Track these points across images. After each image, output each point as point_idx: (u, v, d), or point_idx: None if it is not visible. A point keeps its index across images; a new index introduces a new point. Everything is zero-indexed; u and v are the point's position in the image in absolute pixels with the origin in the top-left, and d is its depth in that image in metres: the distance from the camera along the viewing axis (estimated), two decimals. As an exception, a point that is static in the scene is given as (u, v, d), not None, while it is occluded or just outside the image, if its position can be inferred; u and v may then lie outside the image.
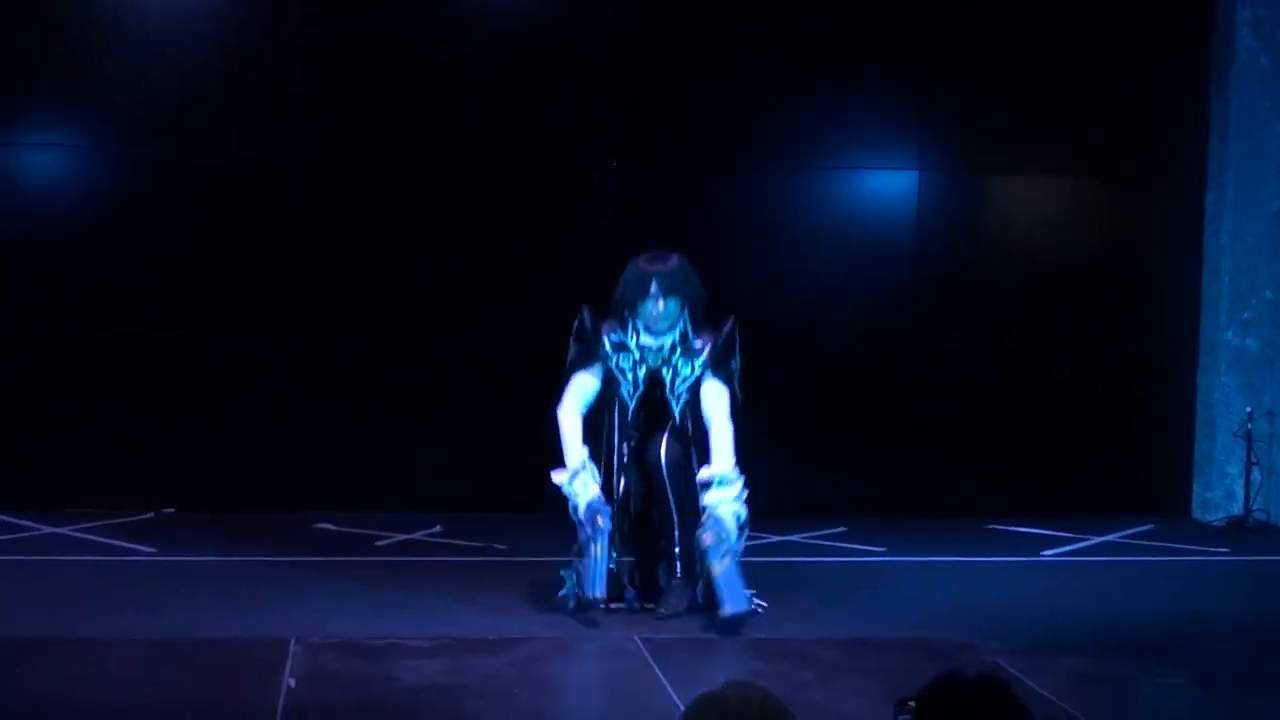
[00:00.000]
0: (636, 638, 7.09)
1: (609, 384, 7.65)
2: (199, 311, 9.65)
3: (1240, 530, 9.88)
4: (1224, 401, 10.15)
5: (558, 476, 7.49)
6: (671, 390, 7.65)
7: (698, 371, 7.64)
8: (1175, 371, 10.32)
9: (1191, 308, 10.30)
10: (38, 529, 9.04)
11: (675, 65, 9.93)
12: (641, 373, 7.65)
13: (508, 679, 6.59)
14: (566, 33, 9.92)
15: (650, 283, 7.53)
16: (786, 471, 9.83)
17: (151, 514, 9.45)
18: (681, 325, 7.64)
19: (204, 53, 9.63)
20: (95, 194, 9.70)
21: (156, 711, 6.17)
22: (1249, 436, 9.95)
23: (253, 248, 9.70)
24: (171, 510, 9.48)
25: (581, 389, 7.62)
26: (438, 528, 9.30)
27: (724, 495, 7.45)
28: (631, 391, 7.67)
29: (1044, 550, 9.28)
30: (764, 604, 7.58)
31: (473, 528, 9.21)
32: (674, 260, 7.60)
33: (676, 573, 7.60)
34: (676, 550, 7.60)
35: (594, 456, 7.56)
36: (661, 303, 7.54)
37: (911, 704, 3.26)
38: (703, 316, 7.70)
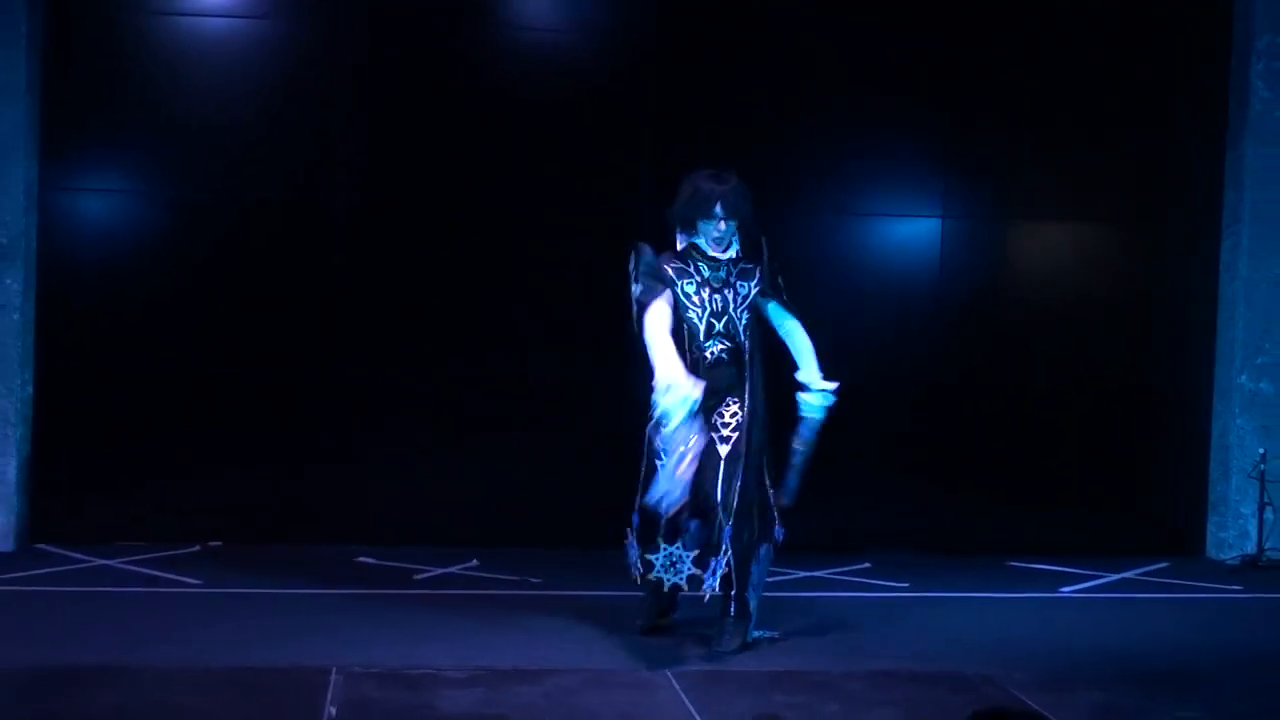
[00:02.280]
0: (668, 671, 7.06)
1: (676, 311, 7.52)
2: (242, 347, 9.68)
3: (1254, 569, 9.84)
4: (1238, 444, 10.11)
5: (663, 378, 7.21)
6: (735, 310, 7.57)
7: (753, 292, 7.60)
8: (1191, 414, 10.29)
9: (1207, 352, 10.28)
10: (88, 561, 9.07)
11: (713, 108, 9.96)
12: (706, 294, 7.56)
13: (542, 709, 6.57)
14: (609, 77, 9.97)
15: (715, 203, 7.48)
16: (813, 507, 9.80)
17: (198, 546, 9.47)
18: (736, 246, 7.61)
19: (252, 98, 9.70)
20: (146, 235, 9.75)
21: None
22: (1262, 478, 9.92)
23: (297, 285, 9.73)
24: (218, 544, 9.50)
25: (662, 315, 7.47)
26: (474, 562, 9.30)
27: (816, 400, 7.63)
28: (701, 314, 7.57)
29: (1062, 587, 9.23)
30: (777, 634, 7.65)
31: (508, 562, 9.21)
32: (734, 180, 7.53)
33: (731, 611, 7.48)
34: (725, 567, 7.42)
35: None
36: (724, 223, 7.50)
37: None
38: (746, 240, 7.64)
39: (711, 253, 7.56)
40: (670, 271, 7.54)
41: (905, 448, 10.09)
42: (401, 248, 9.80)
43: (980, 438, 10.17)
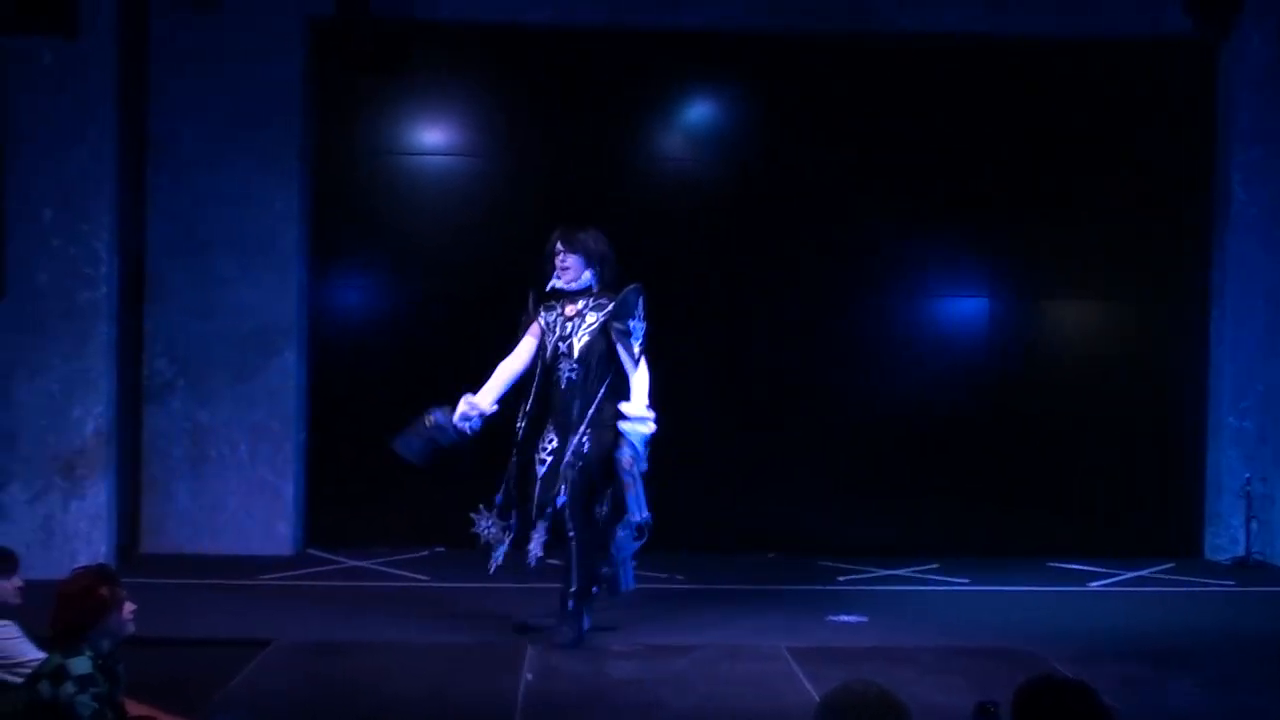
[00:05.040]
0: (782, 646, 7.05)
1: (541, 339, 7.09)
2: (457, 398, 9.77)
3: (1243, 568, 9.60)
4: (1229, 470, 9.89)
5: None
6: (576, 332, 7.01)
7: (601, 319, 7.00)
8: (1191, 447, 10.08)
9: (1201, 399, 10.07)
10: (348, 562, 9.21)
11: (801, 212, 9.95)
12: (559, 321, 7.05)
13: (688, 675, 6.59)
14: (717, 188, 9.99)
15: (555, 240, 7.05)
16: (894, 520, 9.82)
17: (426, 551, 9.56)
18: (589, 283, 7.07)
19: (465, 215, 9.85)
20: (387, 318, 9.93)
21: (428, 696, 6.25)
22: (1248, 496, 9.70)
23: (495, 353, 9.82)
24: (442, 548, 9.58)
25: (521, 348, 7.13)
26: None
27: (637, 426, 6.92)
28: (551, 336, 7.06)
29: (1090, 582, 9.09)
30: (866, 619, 7.59)
31: (657, 564, 9.19)
32: (585, 230, 7.08)
33: (569, 604, 7.00)
34: (576, 577, 6.97)
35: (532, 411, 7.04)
36: (562, 255, 7.00)
37: (990, 708, 3.21)
38: (611, 280, 7.08)
39: (558, 285, 7.05)
40: (537, 305, 7.14)
41: (966, 475, 9.97)
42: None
43: (1025, 467, 10.03)
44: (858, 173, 9.99)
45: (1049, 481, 10.05)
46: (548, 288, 7.15)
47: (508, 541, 7.13)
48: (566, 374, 7.05)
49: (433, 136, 9.98)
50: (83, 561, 7.35)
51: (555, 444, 7.08)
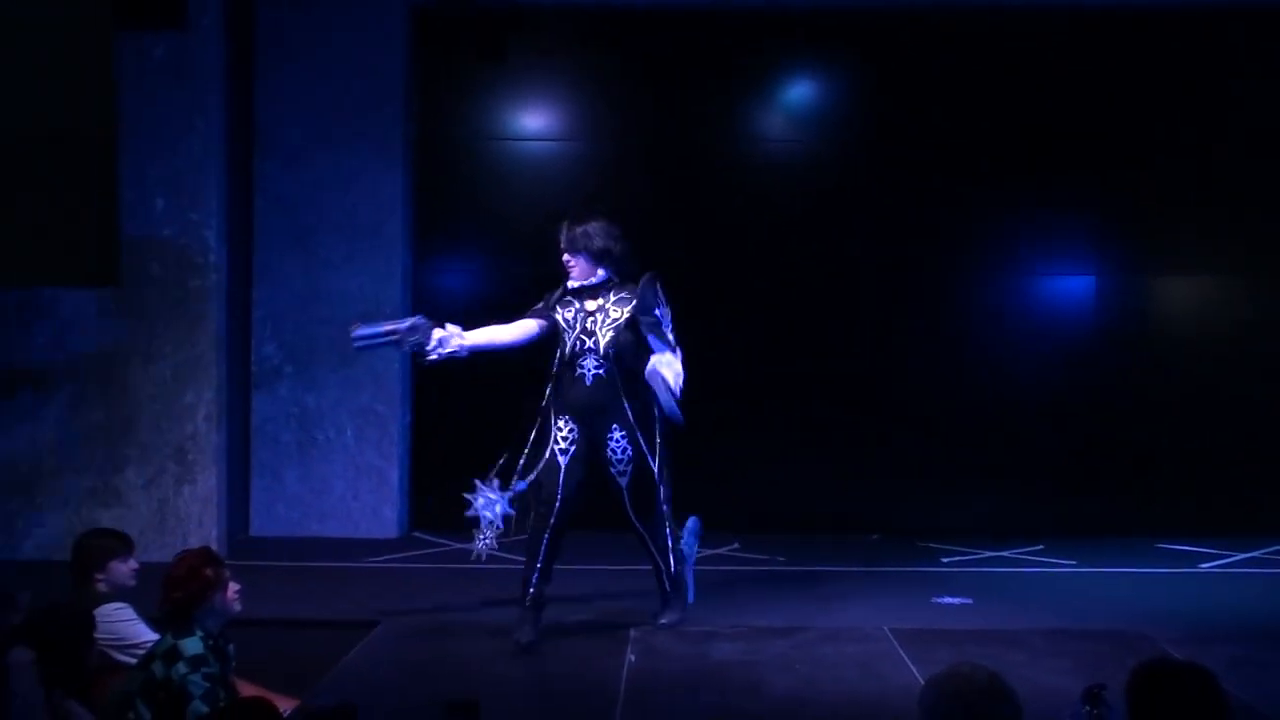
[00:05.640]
0: (885, 627, 6.98)
1: (555, 336, 6.77)
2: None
3: (1359, 548, 9.38)
4: (1343, 448, 9.66)
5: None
6: (601, 327, 6.72)
7: (628, 315, 6.71)
8: (1300, 425, 9.86)
9: (1316, 375, 9.84)
10: (449, 545, 9.23)
11: (901, 190, 9.84)
12: (579, 316, 6.75)
13: (790, 657, 6.55)
14: (819, 168, 9.91)
15: (559, 241, 6.81)
16: (997, 502, 9.70)
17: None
18: (606, 276, 6.78)
19: (563, 198, 9.76)
20: (488, 300, 9.78)
21: (533, 677, 6.29)
22: (1364, 476, 9.46)
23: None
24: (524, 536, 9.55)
25: (517, 324, 6.84)
26: (735, 545, 9.28)
27: (665, 367, 6.62)
28: (571, 332, 6.75)
29: (1201, 564, 8.90)
30: (971, 600, 7.51)
31: (761, 546, 9.17)
32: (589, 220, 6.75)
33: (666, 585, 6.92)
34: (664, 563, 6.84)
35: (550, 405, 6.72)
36: (566, 256, 6.76)
37: (1098, 691, 3.14)
38: (626, 267, 6.81)
39: (577, 290, 6.78)
40: (554, 301, 6.86)
41: (1072, 456, 9.83)
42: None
43: (1133, 447, 9.85)
44: (960, 149, 9.84)
45: (1159, 462, 9.86)
46: (566, 286, 6.86)
47: (499, 524, 6.85)
48: (593, 370, 6.72)
49: (534, 121, 10.01)
50: (194, 544, 7.48)
51: (575, 435, 6.76)
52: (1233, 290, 10.02)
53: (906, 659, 6.42)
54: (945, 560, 8.91)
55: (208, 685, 4.68)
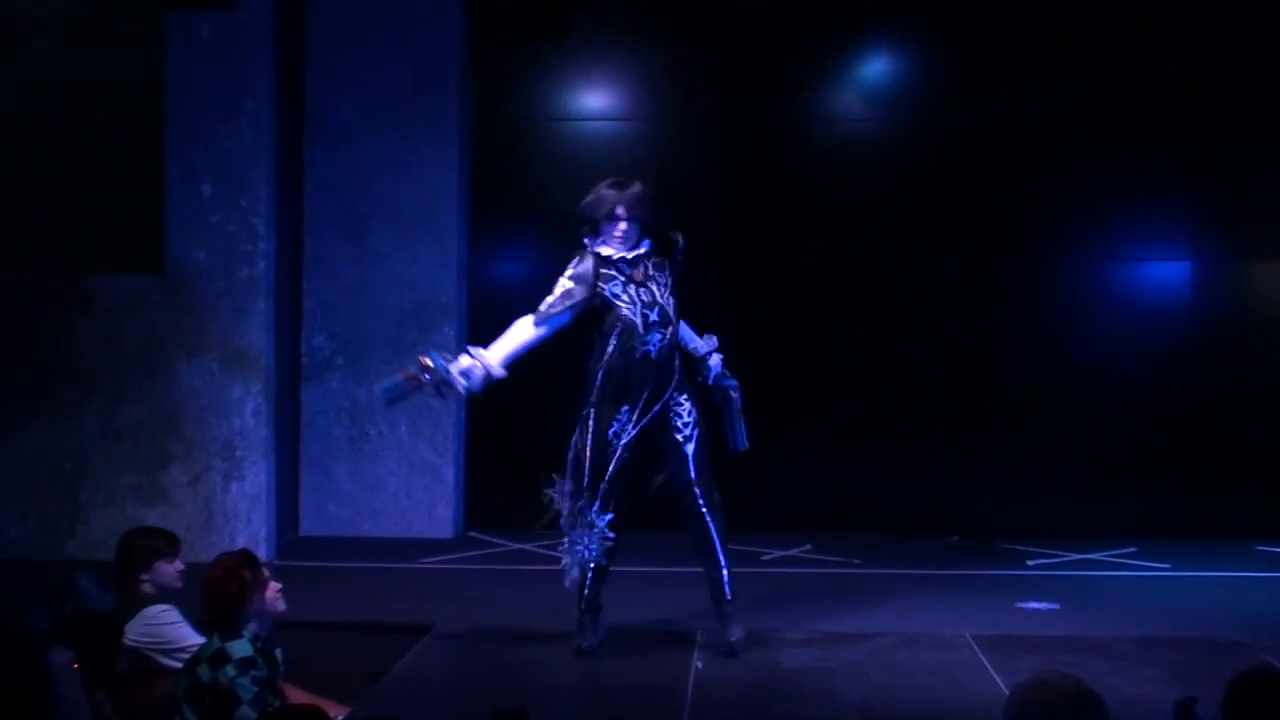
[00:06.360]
0: (967, 634, 6.93)
1: (607, 311, 6.57)
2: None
3: None
4: None
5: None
6: (660, 297, 6.57)
7: (672, 281, 6.63)
8: None
9: None
10: (505, 545, 9.28)
11: (981, 172, 9.78)
12: (631, 289, 6.56)
13: (865, 664, 6.51)
14: (892, 148, 9.85)
15: (616, 205, 6.59)
16: (1086, 502, 9.60)
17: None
18: (646, 245, 6.65)
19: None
20: (547, 293, 9.94)
21: (596, 683, 6.28)
22: None
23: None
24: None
25: (547, 314, 6.65)
26: (808, 546, 9.24)
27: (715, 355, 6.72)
28: (634, 307, 6.56)
29: (1304, 567, 8.78)
30: (1058, 606, 7.40)
31: (834, 547, 9.14)
32: (636, 185, 6.65)
33: (727, 592, 6.67)
34: (724, 554, 6.66)
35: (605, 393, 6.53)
36: (624, 224, 6.57)
37: (1189, 704, 3.10)
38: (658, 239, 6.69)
39: (614, 253, 6.60)
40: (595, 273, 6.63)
41: (1165, 454, 9.70)
42: (742, 294, 9.82)
43: (1231, 445, 9.72)
44: (1042, 129, 9.74)
45: (1257, 460, 9.71)
46: (608, 255, 6.62)
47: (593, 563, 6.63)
48: (657, 343, 6.55)
49: (595, 101, 10.01)
50: (241, 544, 7.54)
51: (633, 428, 6.59)
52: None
53: (989, 667, 6.36)
54: (1030, 563, 8.83)
55: (256, 690, 4.71)
